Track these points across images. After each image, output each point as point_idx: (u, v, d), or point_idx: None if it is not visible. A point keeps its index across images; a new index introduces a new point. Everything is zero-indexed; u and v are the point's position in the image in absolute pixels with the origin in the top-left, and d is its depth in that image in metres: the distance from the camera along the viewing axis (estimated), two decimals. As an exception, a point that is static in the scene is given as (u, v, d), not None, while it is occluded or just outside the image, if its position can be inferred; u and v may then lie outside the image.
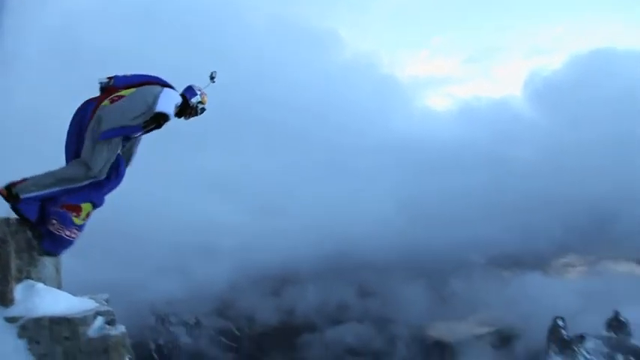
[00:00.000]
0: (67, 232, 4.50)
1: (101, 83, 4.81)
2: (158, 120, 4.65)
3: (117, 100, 4.60)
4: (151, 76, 4.93)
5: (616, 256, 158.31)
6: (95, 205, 4.72)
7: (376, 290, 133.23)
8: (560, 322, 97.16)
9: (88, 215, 4.66)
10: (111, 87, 4.79)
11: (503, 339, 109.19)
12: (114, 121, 4.50)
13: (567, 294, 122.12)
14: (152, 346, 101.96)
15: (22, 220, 4.43)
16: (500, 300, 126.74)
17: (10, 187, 4.43)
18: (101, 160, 4.47)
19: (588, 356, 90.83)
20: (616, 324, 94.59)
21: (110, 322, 4.64)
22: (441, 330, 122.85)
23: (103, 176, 4.58)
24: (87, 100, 4.73)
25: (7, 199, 4.38)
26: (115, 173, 4.75)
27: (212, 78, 5.11)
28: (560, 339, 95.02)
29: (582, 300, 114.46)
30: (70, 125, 4.72)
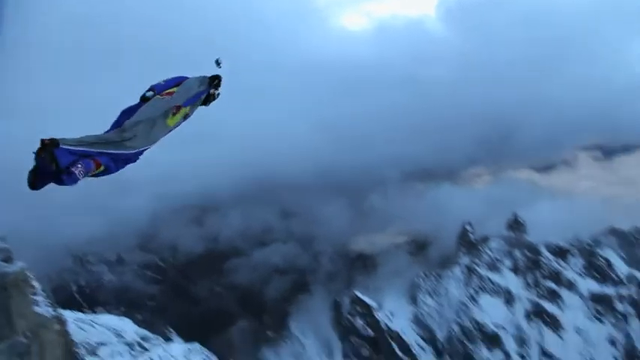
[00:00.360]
0: (81, 177, 4.67)
1: (148, 96, 5.34)
2: (214, 80, 5.82)
3: (169, 95, 5.39)
4: (182, 77, 5.76)
5: (517, 165, 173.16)
6: (102, 173, 4.95)
7: (298, 210, 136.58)
8: (468, 227, 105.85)
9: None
10: (150, 96, 5.38)
11: (419, 246, 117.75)
12: (187, 96, 5.50)
13: (474, 201, 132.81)
14: (73, 287, 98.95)
15: (48, 164, 4.42)
16: (415, 211, 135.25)
17: (54, 139, 4.57)
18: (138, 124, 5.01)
19: (492, 254, 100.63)
20: (515, 224, 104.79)
21: (6, 260, 4.09)
22: (362, 243, 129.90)
23: (134, 149, 4.96)
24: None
25: (47, 145, 4.42)
26: (134, 158, 5.10)
27: (218, 64, 5.92)
28: (468, 242, 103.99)
29: (487, 206, 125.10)
30: (120, 117, 5.15)
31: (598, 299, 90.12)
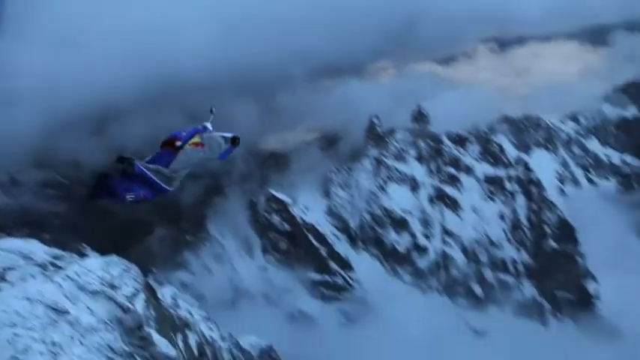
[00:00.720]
0: (128, 203, 5.93)
1: (177, 145, 6.39)
2: (236, 140, 6.84)
3: (198, 145, 6.56)
4: (198, 128, 6.79)
5: (420, 58, 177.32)
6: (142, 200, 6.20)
7: (205, 112, 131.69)
8: (375, 120, 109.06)
9: None
10: (180, 145, 6.42)
11: (329, 141, 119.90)
12: (219, 151, 6.72)
13: (380, 95, 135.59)
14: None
15: (125, 174, 5.86)
16: (323, 107, 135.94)
17: (131, 157, 5.93)
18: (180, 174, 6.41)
19: (398, 145, 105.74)
20: (419, 116, 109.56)
21: None
22: (274, 142, 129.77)
23: (172, 187, 6.36)
24: (165, 149, 6.47)
25: (128, 158, 5.79)
26: (165, 193, 6.32)
27: (212, 112, 7.12)
28: (376, 135, 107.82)
29: (392, 99, 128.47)
30: (157, 155, 6.41)
31: (491, 181, 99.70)
